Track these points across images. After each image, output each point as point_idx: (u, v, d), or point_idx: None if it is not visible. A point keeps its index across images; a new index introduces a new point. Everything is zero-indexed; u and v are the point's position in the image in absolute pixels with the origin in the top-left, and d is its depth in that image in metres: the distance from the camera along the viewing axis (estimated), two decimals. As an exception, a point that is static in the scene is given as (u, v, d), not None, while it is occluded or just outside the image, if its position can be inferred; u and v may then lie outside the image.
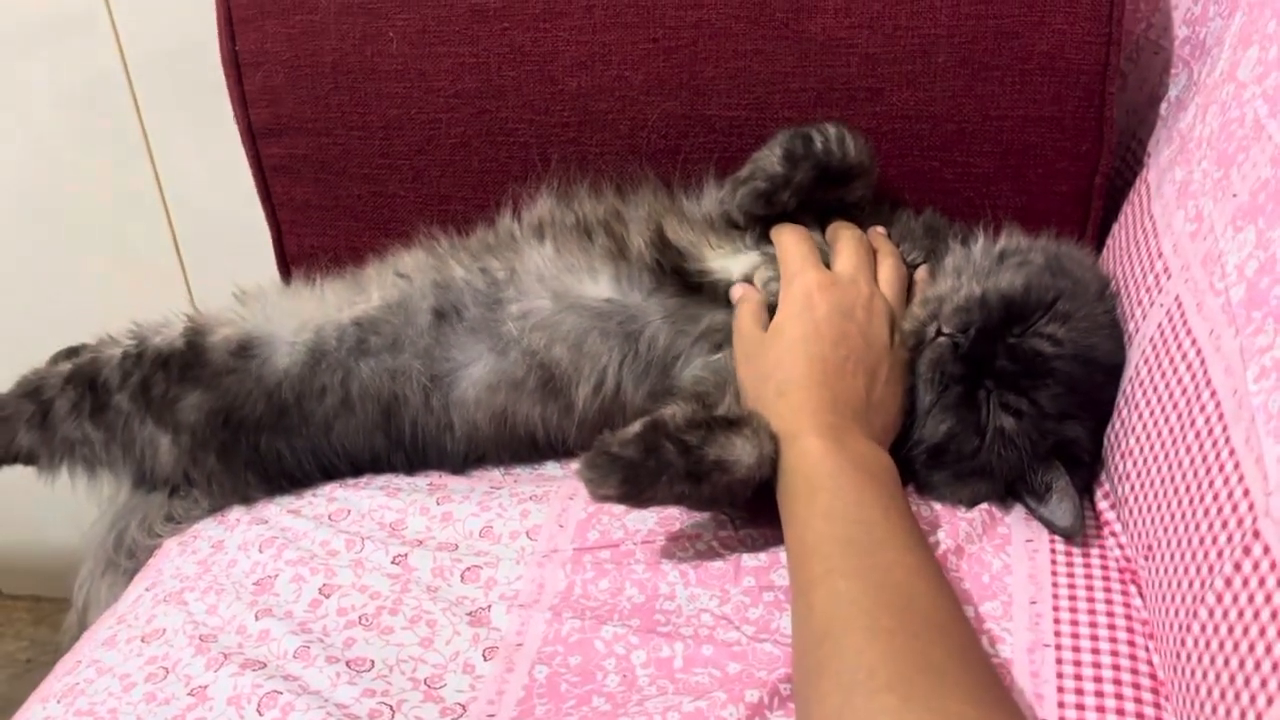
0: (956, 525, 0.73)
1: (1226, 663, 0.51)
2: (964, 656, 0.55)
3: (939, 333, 0.75)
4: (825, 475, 0.65)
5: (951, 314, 0.75)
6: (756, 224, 0.83)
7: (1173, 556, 0.60)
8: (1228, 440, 0.56)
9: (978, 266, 0.78)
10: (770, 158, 0.80)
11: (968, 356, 0.73)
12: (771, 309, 0.77)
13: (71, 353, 0.93)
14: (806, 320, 0.74)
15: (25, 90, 1.28)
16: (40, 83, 1.28)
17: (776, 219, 0.82)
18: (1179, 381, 0.64)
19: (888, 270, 0.79)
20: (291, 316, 0.86)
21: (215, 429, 0.84)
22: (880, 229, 0.83)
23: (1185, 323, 0.65)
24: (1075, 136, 0.87)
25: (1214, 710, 0.52)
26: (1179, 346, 0.65)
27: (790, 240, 0.79)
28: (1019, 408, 0.72)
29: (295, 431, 0.84)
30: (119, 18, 1.23)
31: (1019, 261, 0.77)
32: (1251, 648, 0.49)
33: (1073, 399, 0.73)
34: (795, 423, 0.69)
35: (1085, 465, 0.74)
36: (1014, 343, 0.73)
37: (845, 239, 0.79)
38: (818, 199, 0.81)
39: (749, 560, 0.71)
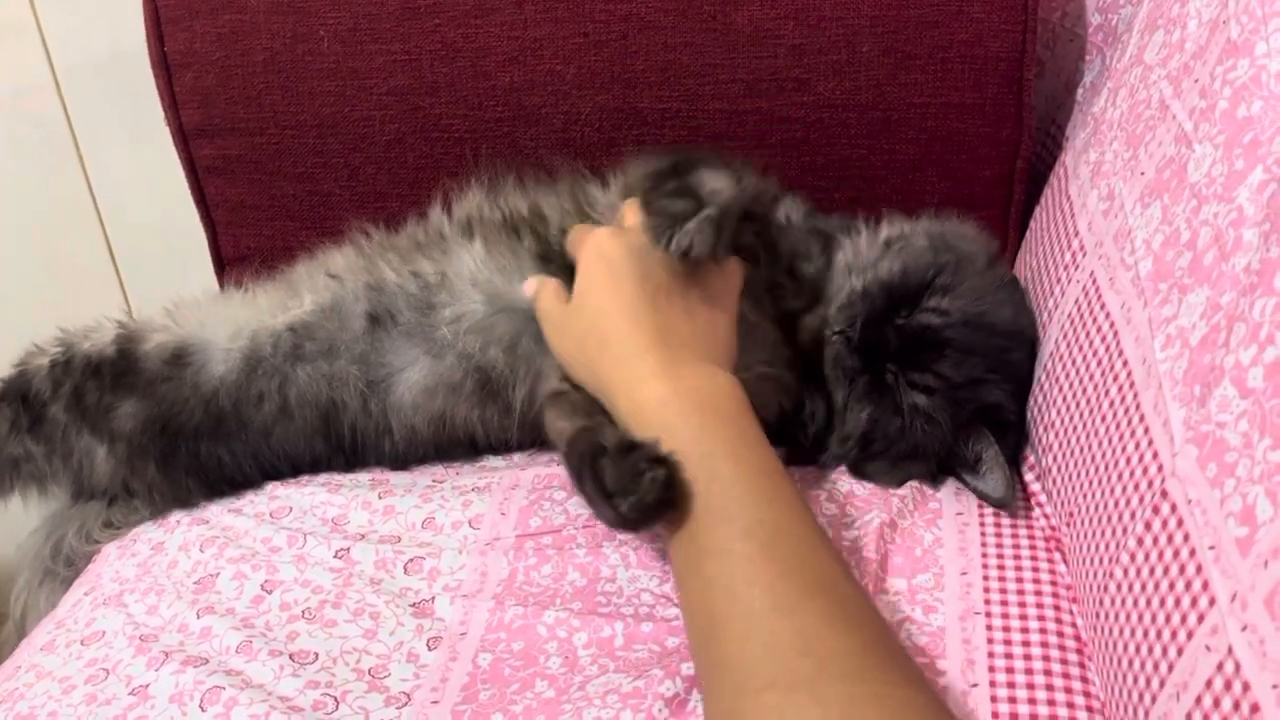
0: (889, 501, 0.75)
1: (1140, 618, 0.53)
2: (843, 619, 0.53)
3: (832, 332, 0.77)
4: (663, 427, 0.63)
5: (837, 312, 0.77)
6: None
7: (1091, 521, 0.62)
8: (1138, 407, 0.59)
9: (865, 259, 0.80)
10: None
11: (861, 348, 0.76)
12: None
13: None
14: (605, 270, 0.71)
15: (-48, 100, 1.26)
16: (-33, 92, 1.26)
17: None
18: (1094, 353, 0.66)
19: None
20: (226, 322, 0.85)
21: (153, 437, 0.83)
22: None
23: (1099, 297, 0.68)
24: (996, 123, 0.90)
25: (1130, 665, 0.54)
26: (1094, 320, 0.68)
27: (573, 230, 0.79)
28: (926, 383, 0.74)
29: (234, 437, 0.83)
30: (47, 25, 1.22)
31: (899, 247, 0.79)
32: (1162, 602, 0.51)
33: (977, 365, 0.75)
34: (627, 369, 0.67)
35: (1012, 427, 0.76)
36: (902, 324, 0.76)
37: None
38: None
39: (688, 541, 0.73)
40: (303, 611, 0.71)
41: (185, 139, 0.99)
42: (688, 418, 0.63)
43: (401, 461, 0.86)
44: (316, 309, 0.84)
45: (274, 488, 0.84)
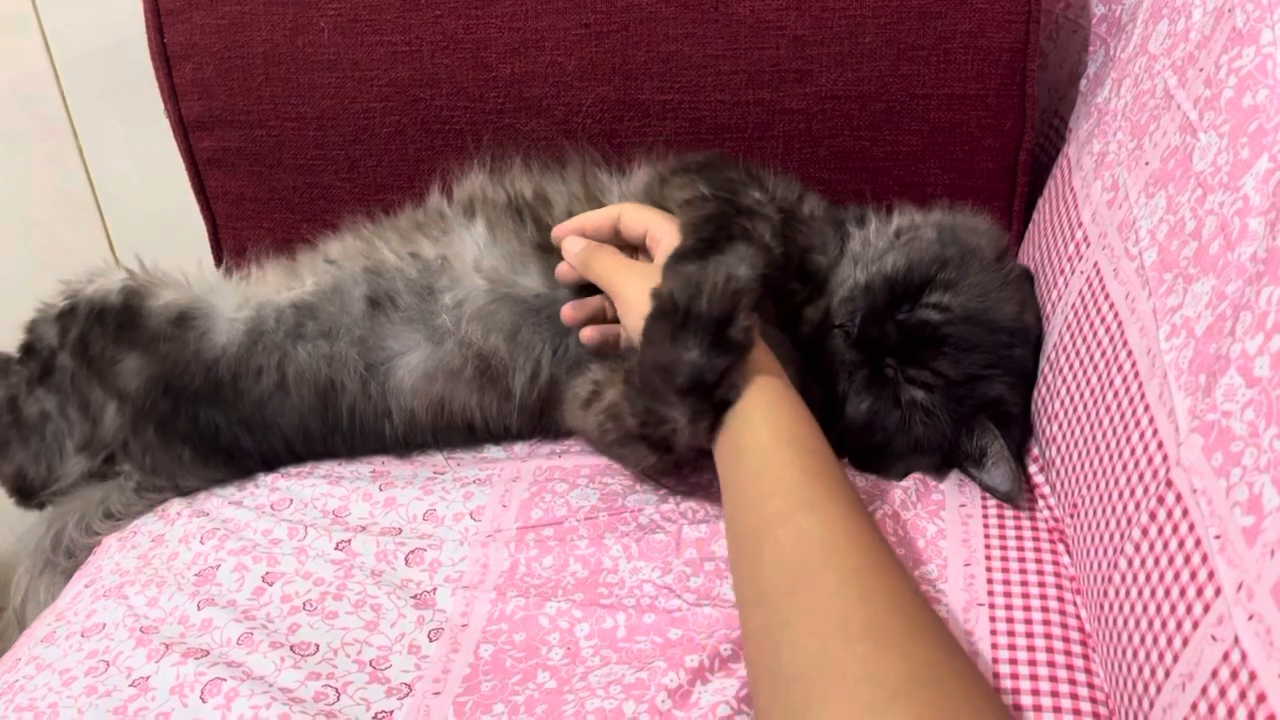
0: (892, 493, 0.75)
1: (1145, 609, 0.53)
2: (922, 596, 0.55)
3: (833, 325, 0.77)
4: (769, 405, 0.64)
5: (839, 305, 0.77)
6: None
7: (1095, 512, 0.62)
8: (1143, 397, 0.58)
9: (874, 250, 0.79)
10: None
11: (861, 342, 0.75)
12: None
13: None
14: None
15: (-49, 92, 1.26)
16: (-34, 84, 1.25)
17: None
18: (1098, 344, 0.66)
19: None
20: (235, 291, 0.87)
21: (156, 398, 0.83)
22: None
23: (1103, 288, 0.68)
24: (999, 114, 0.89)
25: (1135, 655, 0.54)
26: (1098, 311, 0.67)
27: (649, 215, 0.77)
28: (923, 380, 0.74)
29: (231, 405, 0.83)
30: (46, 18, 1.22)
31: (908, 239, 0.79)
32: (1167, 593, 0.51)
33: (977, 361, 0.74)
34: None
35: (1015, 420, 0.76)
36: (903, 319, 0.75)
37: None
38: None
39: (690, 532, 0.72)
40: (304, 603, 0.71)
41: (185, 131, 0.99)
42: (786, 403, 0.65)
43: (401, 445, 0.86)
44: (317, 290, 0.85)
45: (274, 479, 0.84)
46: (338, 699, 0.63)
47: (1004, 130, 0.90)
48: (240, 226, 1.03)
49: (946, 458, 0.77)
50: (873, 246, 0.80)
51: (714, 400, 0.65)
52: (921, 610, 0.53)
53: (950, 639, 0.53)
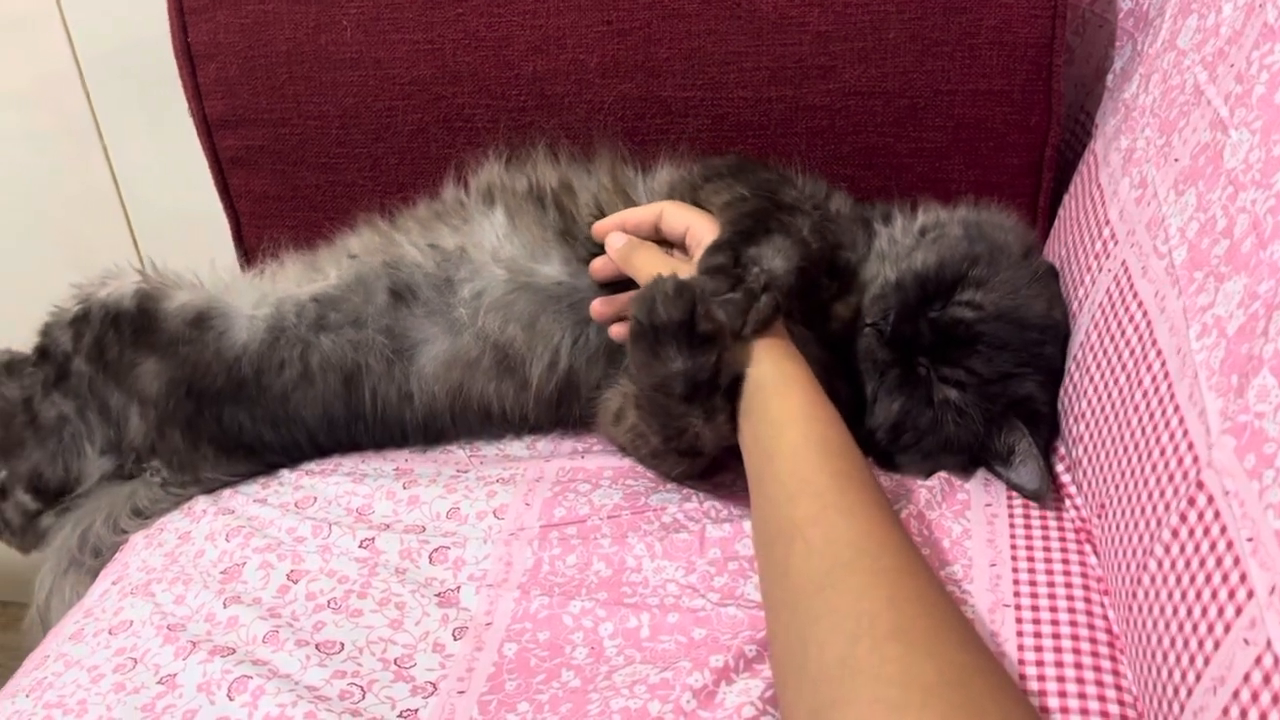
0: (917, 492, 0.75)
1: (1175, 611, 0.53)
2: (950, 597, 0.55)
3: (865, 324, 0.77)
4: (796, 407, 0.64)
5: (870, 304, 0.77)
6: None
7: (1123, 513, 0.61)
8: (1172, 397, 0.58)
9: (900, 248, 0.79)
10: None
11: (893, 340, 0.75)
12: None
13: None
14: None
15: (-24, 91, 1.27)
16: (-9, 83, 1.26)
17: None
18: (1127, 343, 0.65)
19: None
20: (251, 289, 0.87)
21: (179, 400, 0.83)
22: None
23: (1132, 286, 0.67)
24: (1024, 109, 0.88)
25: (1165, 658, 0.53)
26: (1126, 309, 0.67)
27: (690, 214, 0.77)
28: (957, 378, 0.74)
29: (255, 402, 0.84)
30: (70, 15, 1.22)
31: (935, 236, 0.79)
32: (1198, 595, 0.51)
33: (1009, 359, 0.74)
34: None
35: (1044, 419, 0.75)
36: (935, 317, 0.75)
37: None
38: None
39: (714, 531, 0.72)
40: (329, 601, 0.71)
41: (209, 130, 0.99)
42: (821, 405, 0.65)
43: (420, 431, 0.86)
44: (340, 283, 0.85)
45: (299, 477, 0.85)
46: (363, 697, 0.63)
47: (1030, 126, 0.89)
48: (264, 224, 1.03)
49: (973, 457, 0.77)
50: (899, 244, 0.80)
51: (721, 391, 0.66)
52: (949, 612, 0.53)
53: (977, 640, 0.52)
